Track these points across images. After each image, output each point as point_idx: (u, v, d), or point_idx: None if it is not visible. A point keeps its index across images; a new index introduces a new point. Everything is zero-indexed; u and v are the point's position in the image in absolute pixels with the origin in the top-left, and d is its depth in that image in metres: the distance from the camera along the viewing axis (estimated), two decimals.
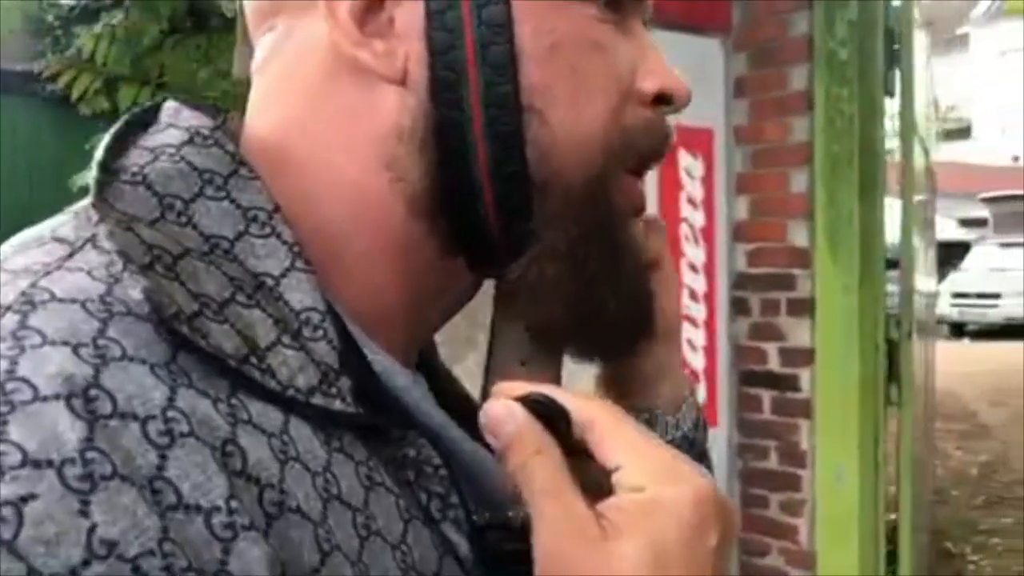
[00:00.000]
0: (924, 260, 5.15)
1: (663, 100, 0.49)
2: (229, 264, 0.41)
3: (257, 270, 0.41)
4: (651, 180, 3.11)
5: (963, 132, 35.03)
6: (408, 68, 0.44)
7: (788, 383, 2.95)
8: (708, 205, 3.03)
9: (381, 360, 0.44)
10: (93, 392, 0.33)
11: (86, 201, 0.42)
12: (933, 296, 5.46)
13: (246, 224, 0.42)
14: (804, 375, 2.91)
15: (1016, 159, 28.32)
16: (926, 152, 3.75)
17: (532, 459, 0.39)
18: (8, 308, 0.35)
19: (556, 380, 0.50)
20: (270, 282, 0.41)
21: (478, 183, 0.45)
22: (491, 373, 0.50)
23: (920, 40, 4.19)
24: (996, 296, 14.91)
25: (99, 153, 0.42)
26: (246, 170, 0.44)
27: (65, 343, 0.34)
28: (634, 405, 0.55)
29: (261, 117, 0.48)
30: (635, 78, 0.48)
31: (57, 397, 0.32)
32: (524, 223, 0.46)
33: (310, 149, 0.46)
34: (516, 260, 0.47)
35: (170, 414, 0.34)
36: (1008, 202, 17.33)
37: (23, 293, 0.35)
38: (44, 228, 0.41)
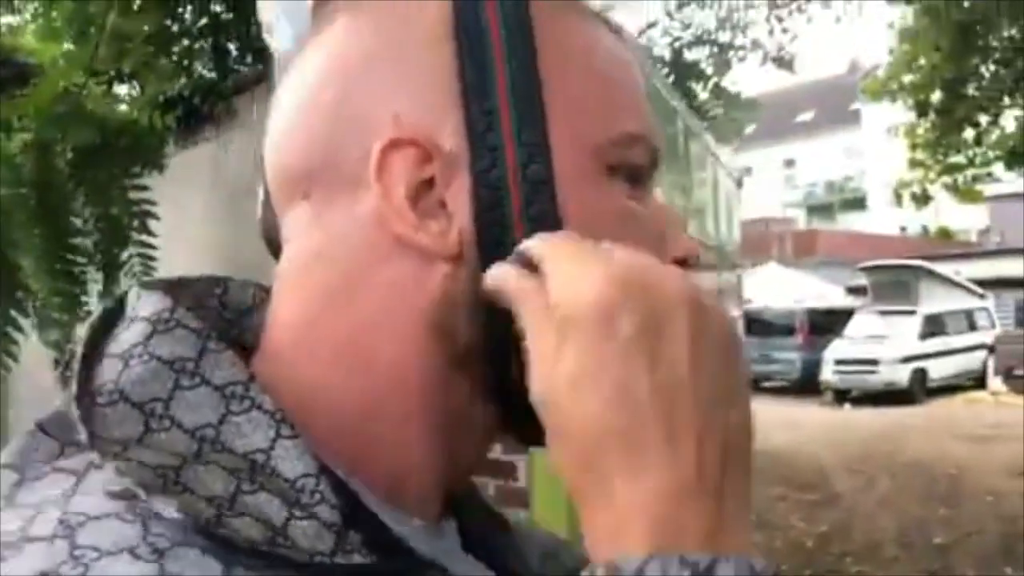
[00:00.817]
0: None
1: (682, 263, 0.50)
2: (221, 455, 0.42)
3: (248, 450, 0.42)
4: None
5: (859, 203, 36.41)
6: (462, 243, 0.45)
7: (508, 471, 2.87)
8: None
9: (392, 519, 0.44)
10: None
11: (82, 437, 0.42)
12: None
13: (226, 403, 0.43)
14: (521, 464, 2.84)
15: (903, 229, 29.44)
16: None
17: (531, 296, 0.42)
18: (54, 536, 0.37)
19: None
20: (261, 458, 0.42)
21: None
22: None
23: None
24: (875, 363, 15.27)
25: (72, 382, 0.42)
26: (213, 344, 0.44)
27: (120, 550, 0.37)
28: None
29: (294, 292, 0.48)
30: (662, 246, 0.49)
31: None
32: None
33: (350, 322, 0.46)
34: None
35: None
36: (885, 271, 17.90)
37: (60, 521, 0.38)
38: (33, 464, 0.43)
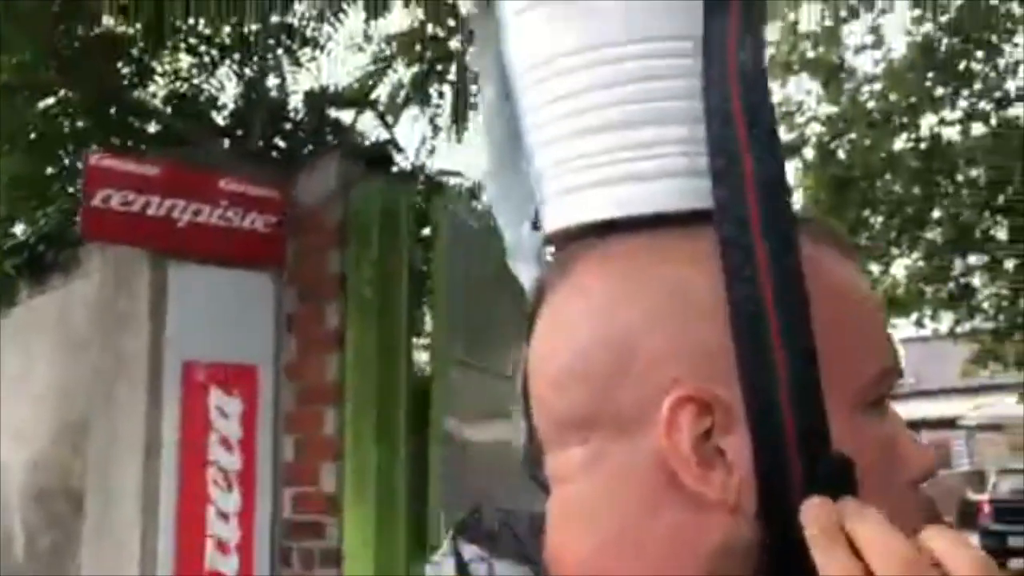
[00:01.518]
0: None
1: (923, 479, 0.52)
2: None
3: None
4: (170, 420, 2.94)
5: None
6: (741, 497, 0.46)
7: (319, 531, 2.71)
8: (248, 447, 2.84)
9: None
10: None
11: None
12: None
13: None
14: (331, 524, 2.68)
15: None
16: None
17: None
18: None
19: None
20: None
21: None
22: None
23: None
24: None
25: None
26: None
27: None
28: None
29: (581, 533, 0.49)
30: (906, 466, 0.50)
31: None
32: None
33: (638, 568, 0.47)
34: None
35: None
36: None
37: None
38: None
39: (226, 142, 5.51)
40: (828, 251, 0.51)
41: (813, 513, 0.44)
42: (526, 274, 0.57)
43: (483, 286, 3.42)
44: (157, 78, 5.94)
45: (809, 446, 0.46)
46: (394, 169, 6.21)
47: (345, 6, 5.98)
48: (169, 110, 5.72)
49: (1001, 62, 9.10)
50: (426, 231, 3.90)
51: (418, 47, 7.00)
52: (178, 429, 2.75)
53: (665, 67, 0.48)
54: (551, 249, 0.54)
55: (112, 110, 5.66)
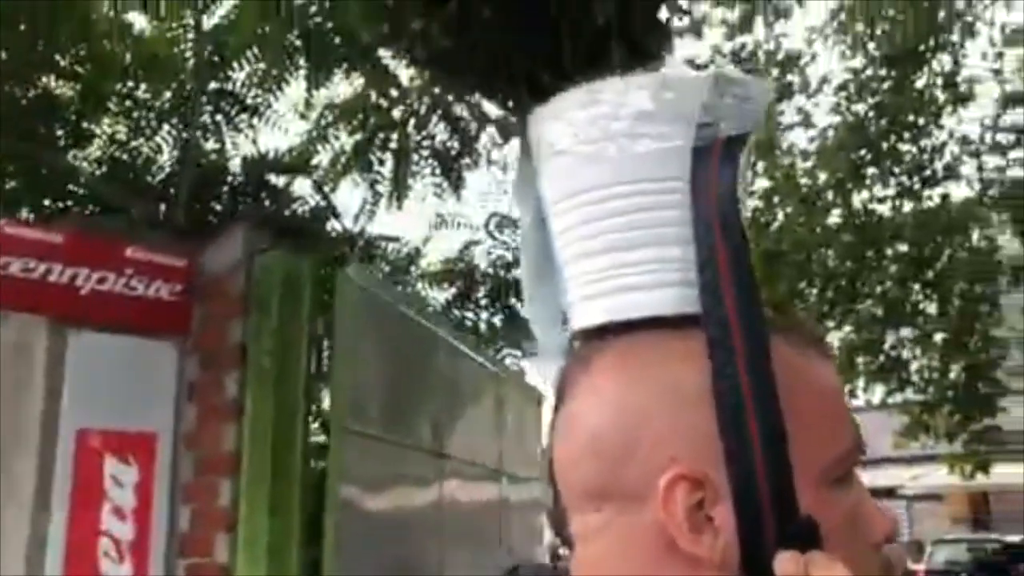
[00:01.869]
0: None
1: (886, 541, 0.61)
2: None
3: None
4: (61, 489, 2.90)
5: None
6: (726, 555, 0.55)
7: None
8: (142, 516, 2.81)
9: None
10: None
11: None
12: None
13: None
14: None
15: None
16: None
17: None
18: None
19: None
20: None
21: None
22: None
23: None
24: None
25: None
26: None
27: None
28: None
29: None
30: (869, 531, 0.59)
31: None
32: None
33: None
34: None
35: None
36: None
37: None
38: None
39: (162, 207, 5.53)
40: (802, 351, 0.61)
41: (784, 566, 0.53)
42: (555, 367, 0.67)
43: (391, 356, 3.45)
44: (94, 140, 5.95)
45: (781, 512, 0.55)
46: (333, 234, 6.26)
47: (287, 75, 6.08)
48: (104, 171, 5.73)
49: (927, 143, 9.45)
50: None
51: (360, 115, 7.12)
52: (69, 498, 2.72)
53: (657, 202, 0.60)
54: (576, 344, 0.64)
55: (44, 172, 5.65)
